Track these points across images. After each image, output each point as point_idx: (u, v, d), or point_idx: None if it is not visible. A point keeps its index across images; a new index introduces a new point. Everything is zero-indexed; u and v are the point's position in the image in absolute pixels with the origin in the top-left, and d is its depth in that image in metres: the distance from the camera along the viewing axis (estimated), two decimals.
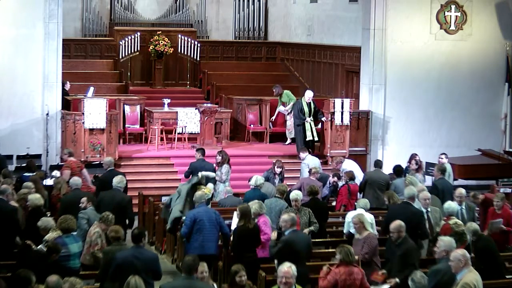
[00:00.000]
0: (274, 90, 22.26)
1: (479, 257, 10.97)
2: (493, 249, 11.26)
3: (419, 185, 14.31)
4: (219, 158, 16.45)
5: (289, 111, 21.79)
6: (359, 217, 11.69)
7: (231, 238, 12.26)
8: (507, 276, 11.24)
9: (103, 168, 15.58)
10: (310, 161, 17.09)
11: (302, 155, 17.66)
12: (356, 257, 10.11)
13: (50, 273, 9.67)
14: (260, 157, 19.33)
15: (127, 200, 13.40)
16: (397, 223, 10.95)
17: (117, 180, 13.55)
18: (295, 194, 13.08)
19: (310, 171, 15.81)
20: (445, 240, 10.01)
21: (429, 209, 12.98)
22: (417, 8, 20.48)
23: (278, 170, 16.40)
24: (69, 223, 10.88)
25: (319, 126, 20.50)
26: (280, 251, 10.84)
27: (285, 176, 17.12)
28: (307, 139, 19.85)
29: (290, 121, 21.80)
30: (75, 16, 26.46)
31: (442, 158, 16.93)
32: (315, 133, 20.09)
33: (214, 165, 16.47)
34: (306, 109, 20.05)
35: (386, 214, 12.94)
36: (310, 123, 20.01)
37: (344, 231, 13.17)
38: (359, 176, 16.67)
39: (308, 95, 20.22)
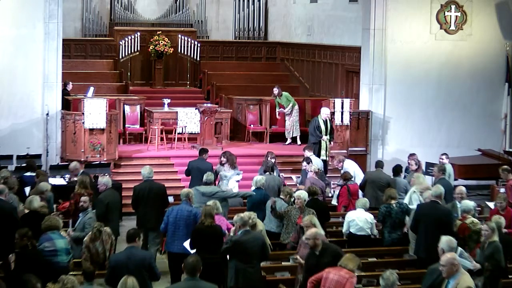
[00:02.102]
0: (274, 90, 22.06)
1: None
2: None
3: (424, 183, 14.22)
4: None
5: (288, 112, 21.78)
6: (311, 218, 11.29)
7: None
8: (510, 276, 11.28)
9: (73, 173, 15.29)
10: (312, 161, 17.05)
11: (307, 153, 17.44)
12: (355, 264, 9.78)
13: (37, 267, 9.75)
14: (260, 157, 19.25)
15: (164, 187, 13.94)
16: (313, 231, 10.47)
17: (147, 171, 13.95)
18: (299, 193, 12.95)
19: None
20: (443, 239, 9.99)
21: None
22: (417, 8, 20.47)
23: (272, 161, 16.39)
24: (52, 221, 11.04)
25: None
26: (227, 250, 11.03)
27: (285, 176, 17.16)
28: (321, 158, 18.49)
29: (289, 122, 21.81)
30: (75, 16, 26.47)
31: (443, 159, 16.91)
32: (328, 152, 19.17)
33: (228, 168, 16.42)
34: (322, 126, 19.05)
35: (414, 213, 12.55)
36: (326, 142, 19.05)
37: (344, 231, 13.18)
38: (360, 176, 16.66)
39: (325, 112, 19.26)
